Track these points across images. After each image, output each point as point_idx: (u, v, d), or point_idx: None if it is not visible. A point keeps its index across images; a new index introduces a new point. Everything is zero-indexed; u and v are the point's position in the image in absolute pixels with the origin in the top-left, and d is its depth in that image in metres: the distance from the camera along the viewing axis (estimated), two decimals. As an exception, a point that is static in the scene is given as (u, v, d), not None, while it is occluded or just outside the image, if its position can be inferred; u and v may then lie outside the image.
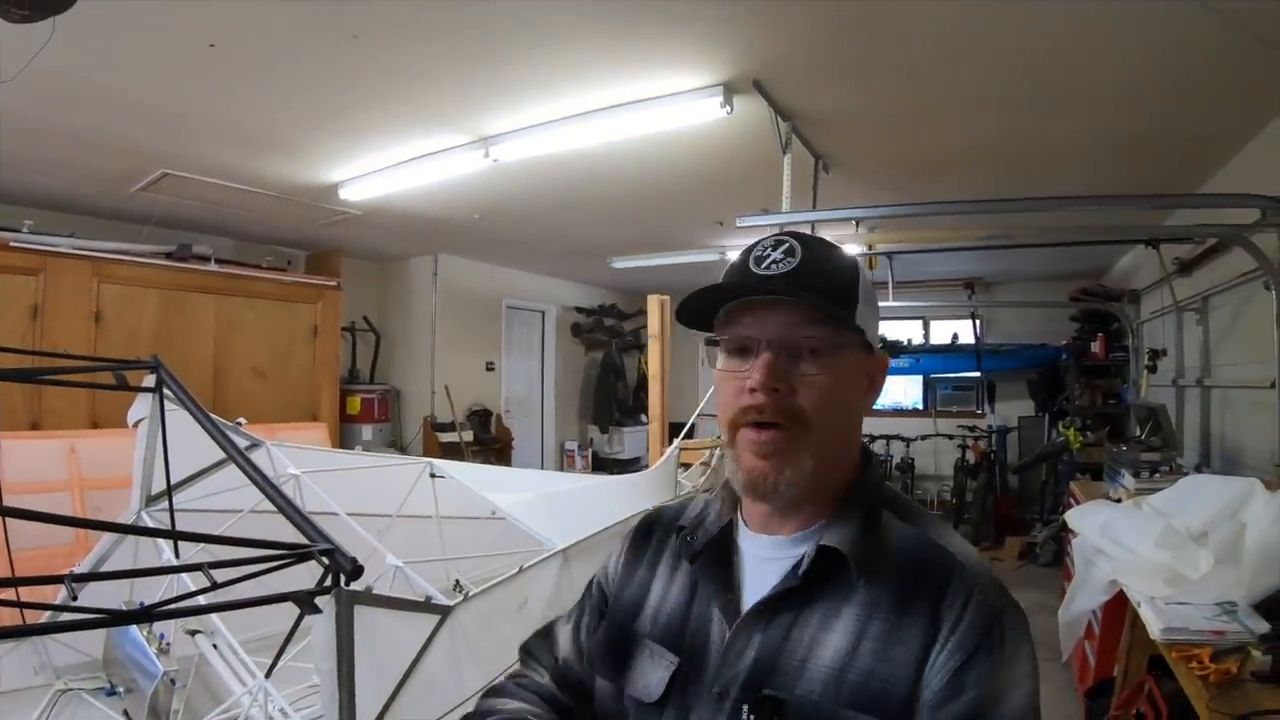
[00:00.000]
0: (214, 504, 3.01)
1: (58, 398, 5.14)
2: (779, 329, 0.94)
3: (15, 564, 2.52)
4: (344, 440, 7.32)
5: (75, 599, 1.37)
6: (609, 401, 10.54)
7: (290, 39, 3.24)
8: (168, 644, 2.44)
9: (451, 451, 7.60)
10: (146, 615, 1.50)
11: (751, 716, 0.90)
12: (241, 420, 3.29)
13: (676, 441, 5.52)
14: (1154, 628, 2.38)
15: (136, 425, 3.09)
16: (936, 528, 0.99)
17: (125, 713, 2.64)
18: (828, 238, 3.91)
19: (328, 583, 1.82)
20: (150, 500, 3.04)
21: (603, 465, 10.33)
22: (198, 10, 2.97)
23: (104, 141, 4.46)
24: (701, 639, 1.00)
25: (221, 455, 3.12)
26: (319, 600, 1.85)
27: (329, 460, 3.47)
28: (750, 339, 0.95)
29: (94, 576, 1.66)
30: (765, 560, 1.01)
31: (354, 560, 1.78)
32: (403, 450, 7.74)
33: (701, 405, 5.81)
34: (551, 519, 2.98)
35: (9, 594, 1.80)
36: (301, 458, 3.28)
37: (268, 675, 2.13)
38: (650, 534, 1.18)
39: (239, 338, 6.55)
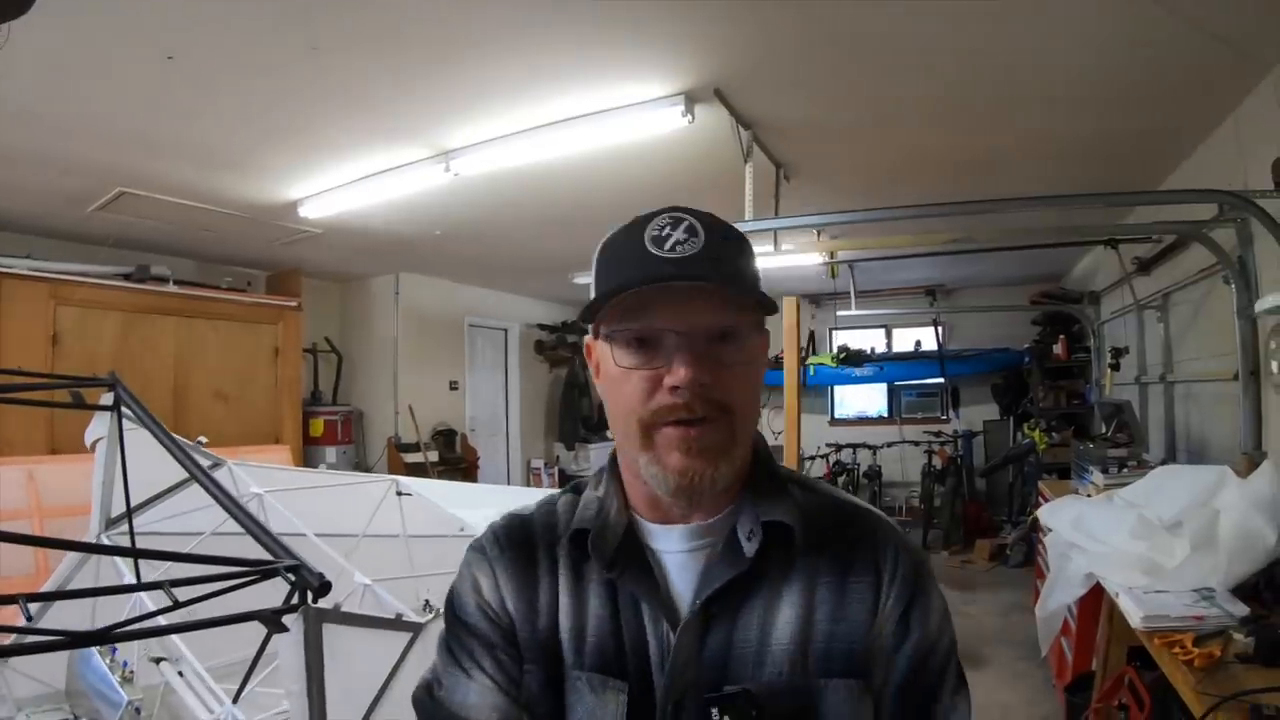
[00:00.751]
0: (176, 526, 2.97)
1: (15, 422, 5.04)
2: (698, 318, 0.87)
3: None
4: (308, 463, 7.20)
5: (30, 619, 1.33)
6: (574, 418, 10.46)
7: (248, 51, 3.19)
8: (131, 672, 2.39)
9: (416, 472, 7.49)
10: (104, 636, 1.45)
11: (726, 718, 0.87)
12: (203, 439, 3.25)
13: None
14: (1134, 617, 2.41)
15: (94, 445, 3.03)
16: (838, 492, 1.05)
17: None
18: (788, 246, 3.94)
19: (295, 600, 1.78)
20: (110, 523, 2.98)
21: (570, 483, 10.21)
22: (154, 23, 2.92)
23: (58, 161, 4.37)
24: (641, 653, 0.92)
25: (183, 476, 3.08)
26: (286, 619, 1.81)
27: (293, 479, 3.43)
28: (663, 330, 0.87)
29: (48, 596, 1.61)
30: (683, 553, 0.95)
31: (321, 576, 1.75)
32: (368, 471, 7.64)
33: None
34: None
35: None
36: (265, 476, 3.25)
37: (235, 700, 2.09)
38: (530, 547, 1.02)
39: (200, 360, 6.45)
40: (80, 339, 5.73)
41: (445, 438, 8.70)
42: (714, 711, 0.87)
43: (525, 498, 3.60)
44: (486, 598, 1.00)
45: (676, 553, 0.96)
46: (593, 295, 0.93)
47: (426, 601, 3.05)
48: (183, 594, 1.72)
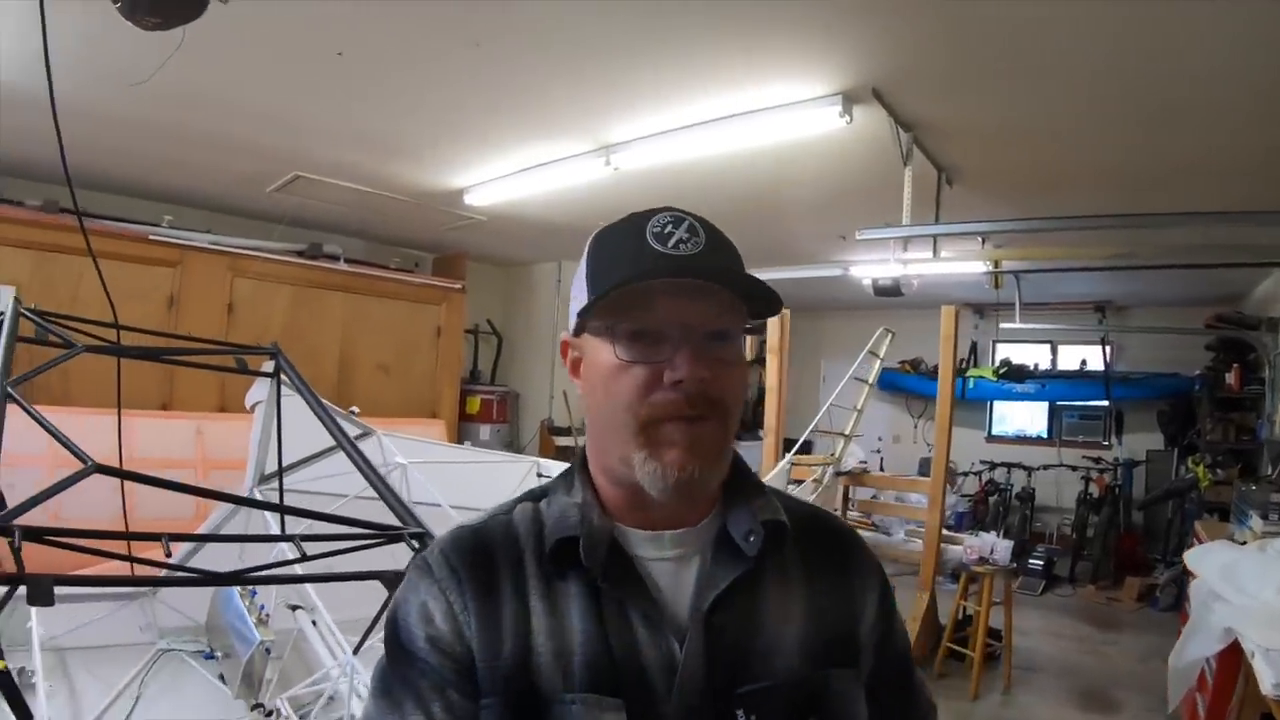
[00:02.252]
0: (323, 487, 3.11)
1: (188, 382, 5.44)
2: (702, 316, 0.87)
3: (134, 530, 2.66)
4: (462, 438, 7.47)
5: (169, 555, 1.44)
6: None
7: (412, 48, 3.34)
8: (267, 615, 2.54)
9: (565, 455, 7.65)
10: (236, 578, 1.56)
11: (753, 716, 0.87)
12: (355, 409, 3.40)
13: (788, 457, 5.45)
14: (1265, 681, 2.21)
15: (254, 408, 3.25)
16: (798, 499, 1.09)
17: (220, 676, 2.75)
18: (948, 253, 3.79)
19: (416, 565, 1.83)
20: (263, 479, 3.17)
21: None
22: (325, 20, 3.09)
23: (238, 145, 4.71)
24: (636, 667, 0.86)
25: (333, 442, 3.25)
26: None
27: (438, 453, 3.54)
28: (668, 325, 0.86)
29: (187, 537, 1.71)
30: (671, 559, 0.92)
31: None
32: (519, 451, 7.86)
33: (815, 421, 5.73)
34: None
35: (122, 554, 1.89)
36: (411, 448, 3.36)
37: (355, 652, 2.18)
38: (489, 565, 0.91)
39: (365, 334, 6.82)
40: (254, 309, 6.18)
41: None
42: (739, 713, 0.86)
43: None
44: (439, 627, 0.88)
45: (665, 559, 0.92)
46: (586, 289, 0.90)
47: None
48: (316, 550, 1.82)
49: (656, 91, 3.71)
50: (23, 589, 1.41)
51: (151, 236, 5.73)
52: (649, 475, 0.86)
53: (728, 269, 0.89)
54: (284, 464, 3.01)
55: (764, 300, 0.90)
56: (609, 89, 3.71)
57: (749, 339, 0.97)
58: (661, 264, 0.86)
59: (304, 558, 1.66)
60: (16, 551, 1.42)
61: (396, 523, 2.10)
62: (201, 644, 2.93)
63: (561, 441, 8.09)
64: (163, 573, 2.00)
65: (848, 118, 3.57)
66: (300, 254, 6.54)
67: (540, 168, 4.92)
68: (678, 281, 0.86)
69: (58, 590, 2.15)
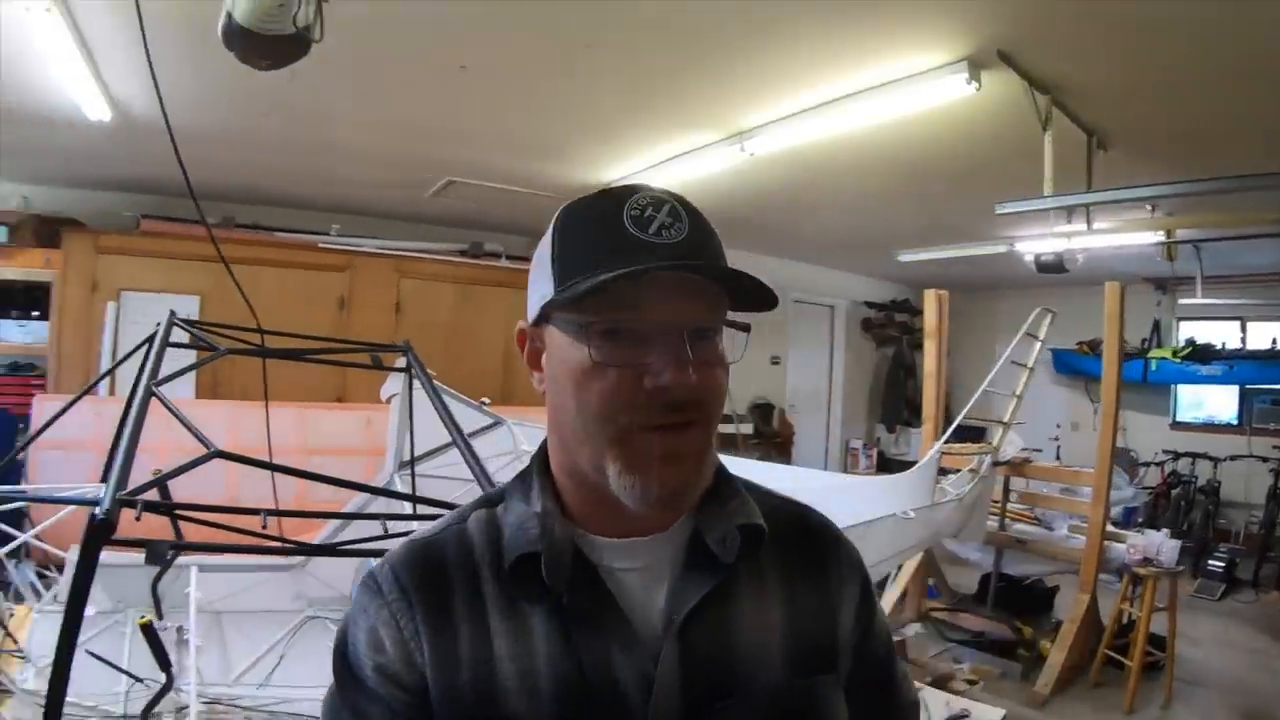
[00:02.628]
0: (456, 473, 3.26)
1: (360, 377, 5.81)
2: (687, 313, 0.79)
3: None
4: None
5: (265, 527, 1.59)
6: (898, 400, 10.22)
7: (527, 54, 3.46)
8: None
9: (726, 443, 7.61)
10: (331, 550, 1.71)
11: None
12: (485, 400, 3.54)
13: (937, 445, 5.26)
14: None
15: (389, 400, 3.46)
16: (777, 492, 1.01)
17: None
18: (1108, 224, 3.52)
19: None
20: (404, 465, 3.37)
21: (887, 465, 9.88)
22: (444, 41, 3.30)
23: (391, 157, 5.07)
24: (607, 688, 0.80)
25: (467, 430, 3.42)
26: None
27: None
28: (649, 324, 0.78)
29: (283, 513, 1.84)
30: (643, 569, 0.86)
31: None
32: (680, 439, 7.90)
33: (967, 409, 5.53)
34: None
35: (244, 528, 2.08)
36: (535, 436, 3.47)
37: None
38: (443, 584, 0.84)
39: (528, 329, 7.04)
40: (419, 307, 6.57)
41: (762, 411, 8.87)
42: None
43: (810, 481, 3.51)
44: (389, 654, 0.82)
45: (637, 569, 0.86)
46: (551, 275, 0.81)
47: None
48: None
49: (783, 74, 3.67)
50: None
51: (320, 245, 6.25)
52: (627, 489, 0.79)
53: (727, 266, 0.82)
54: (418, 452, 3.19)
55: (758, 295, 0.83)
56: (734, 76, 3.71)
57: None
58: (644, 254, 0.77)
59: (385, 535, 1.77)
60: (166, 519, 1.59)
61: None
62: (343, 614, 3.16)
63: (723, 429, 7.89)
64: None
65: (976, 84, 3.42)
66: (462, 253, 6.89)
67: (677, 159, 4.95)
68: (662, 275, 0.78)
69: (216, 559, 2.42)
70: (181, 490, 2.49)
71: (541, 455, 0.91)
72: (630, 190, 0.82)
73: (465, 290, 6.81)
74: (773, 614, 0.89)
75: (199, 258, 5.48)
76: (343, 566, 3.12)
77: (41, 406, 4.66)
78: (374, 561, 0.91)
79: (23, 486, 3.84)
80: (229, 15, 2.15)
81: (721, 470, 0.93)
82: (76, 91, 3.88)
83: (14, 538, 2.95)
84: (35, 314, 5.64)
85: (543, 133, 4.57)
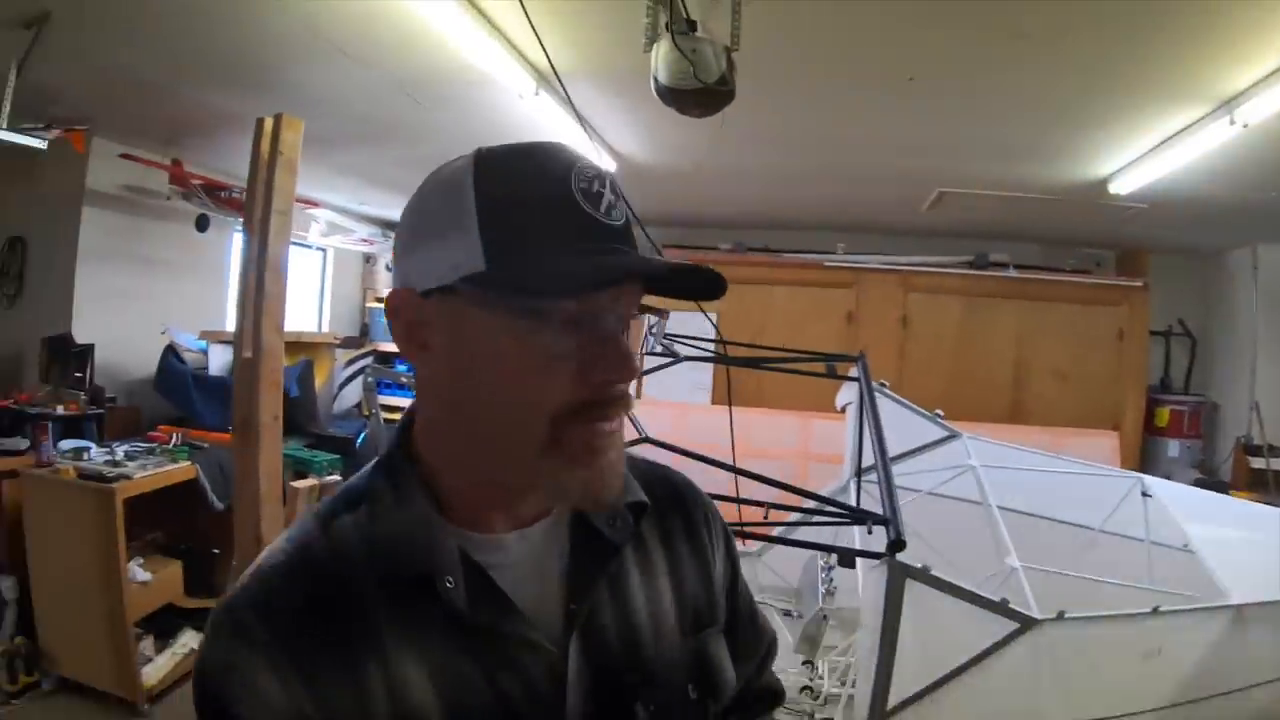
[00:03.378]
0: (914, 483, 3.31)
1: (804, 384, 6.03)
2: (632, 302, 0.77)
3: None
4: (1146, 454, 6.82)
5: (766, 518, 1.91)
6: None
7: (965, 54, 3.38)
8: (835, 588, 2.88)
9: (1260, 483, 6.45)
10: (792, 542, 1.97)
11: (651, 707, 0.83)
12: (939, 411, 3.57)
13: None
14: None
15: (843, 409, 3.64)
16: (637, 456, 1.00)
17: (791, 633, 3.18)
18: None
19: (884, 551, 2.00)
20: (867, 470, 3.53)
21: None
22: (887, 57, 3.37)
23: (879, 175, 5.24)
24: (523, 693, 0.76)
25: (918, 444, 3.49)
26: (868, 562, 2.08)
27: (1024, 460, 3.49)
28: (607, 313, 0.74)
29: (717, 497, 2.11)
30: (528, 563, 0.82)
31: (899, 534, 1.95)
32: (1210, 474, 6.85)
33: None
34: (1259, 568, 2.61)
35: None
36: (993, 453, 3.40)
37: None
38: (328, 607, 0.73)
39: (1040, 341, 6.76)
40: (926, 321, 6.66)
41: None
42: (638, 708, 0.83)
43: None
44: (274, 708, 0.69)
45: (525, 563, 0.82)
46: (473, 236, 0.72)
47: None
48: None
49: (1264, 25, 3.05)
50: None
51: (826, 263, 6.66)
52: (559, 487, 0.76)
53: (632, 239, 0.78)
54: (869, 461, 3.34)
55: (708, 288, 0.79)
56: (1210, 28, 3.16)
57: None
58: (606, 240, 0.74)
59: (764, 521, 1.96)
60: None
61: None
62: (788, 603, 3.40)
63: (1256, 464, 6.70)
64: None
65: None
66: (969, 264, 6.78)
67: (1166, 144, 4.34)
68: (627, 264, 0.74)
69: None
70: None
71: (400, 444, 0.83)
72: (561, 151, 0.76)
73: (973, 303, 6.71)
74: (661, 582, 0.91)
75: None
76: (795, 561, 3.37)
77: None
78: None
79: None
80: (655, 78, 2.53)
81: None
82: (585, 152, 4.64)
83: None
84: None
85: (1010, 133, 4.37)
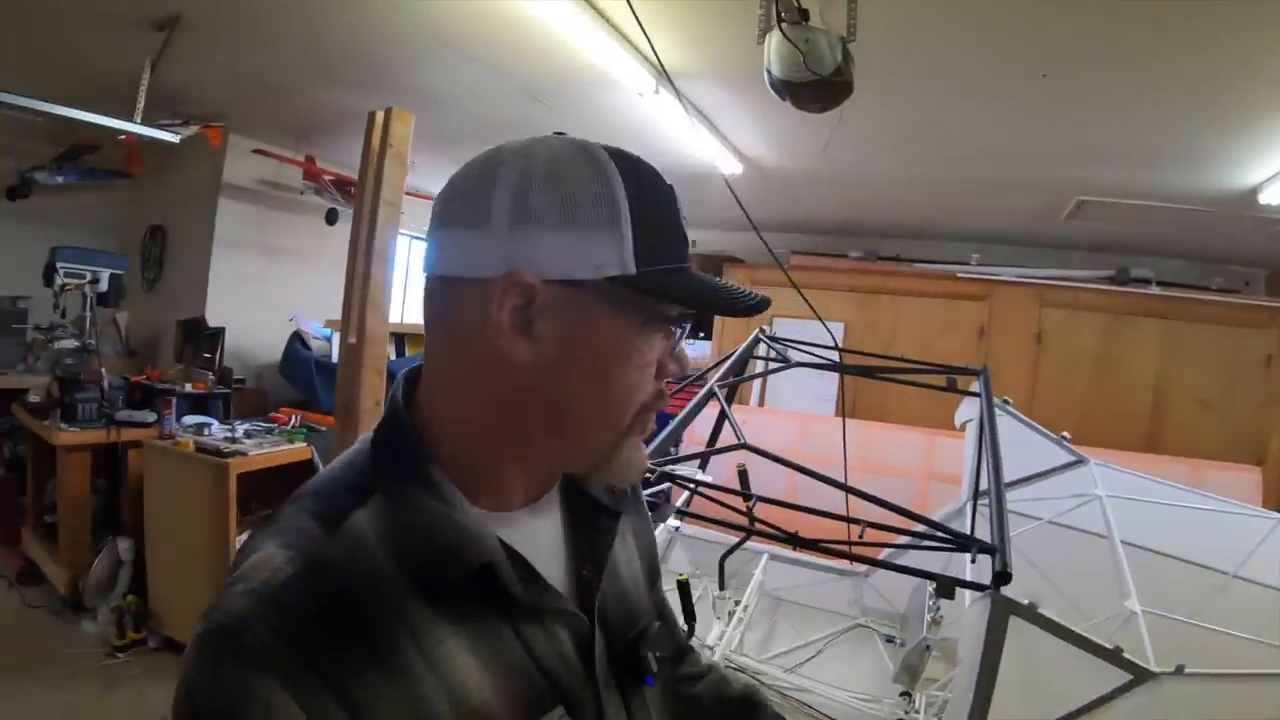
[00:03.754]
0: (1035, 510, 3.13)
1: (930, 400, 5.78)
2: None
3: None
4: (1292, 488, 6.33)
5: (860, 535, 1.81)
6: None
7: (1105, 49, 3.13)
8: (941, 616, 2.73)
9: None
10: (803, 540, 1.87)
11: (654, 652, 0.91)
12: (1066, 434, 3.35)
13: None
14: None
15: (963, 426, 3.46)
16: None
17: (893, 660, 3.04)
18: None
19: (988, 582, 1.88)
20: (983, 494, 3.34)
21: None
22: (1020, 53, 3.17)
23: (1014, 183, 5.00)
24: (559, 663, 0.79)
25: (1041, 467, 3.29)
26: (971, 594, 1.95)
27: (1158, 492, 3.25)
28: (686, 323, 0.82)
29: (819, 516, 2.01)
30: (534, 535, 0.83)
31: (1005, 566, 1.82)
32: (1361, 517, 6.25)
33: None
34: None
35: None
36: (1121, 482, 3.18)
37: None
38: (363, 617, 0.67)
39: (1181, 365, 6.27)
40: (1061, 338, 6.25)
41: None
42: (647, 657, 0.89)
43: None
44: None
45: (532, 537, 0.83)
46: (634, 237, 0.74)
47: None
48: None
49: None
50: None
51: (959, 274, 6.37)
52: (628, 466, 0.82)
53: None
54: (986, 484, 3.16)
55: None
56: None
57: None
58: (684, 249, 0.81)
59: (858, 540, 1.86)
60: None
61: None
62: (892, 629, 3.25)
63: None
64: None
65: None
66: (1109, 280, 6.40)
67: None
68: (744, 298, 0.83)
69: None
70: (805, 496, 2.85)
71: (410, 428, 0.80)
72: (650, 165, 0.79)
73: (1113, 321, 6.25)
74: (630, 544, 1.01)
75: (844, 288, 6.00)
76: (903, 584, 3.22)
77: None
78: None
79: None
80: (769, 71, 2.44)
81: None
82: (707, 153, 4.64)
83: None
84: (701, 335, 6.81)
85: (1151, 136, 4.05)
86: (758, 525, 2.22)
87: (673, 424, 2.17)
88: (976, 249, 6.58)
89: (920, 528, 2.17)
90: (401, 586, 0.69)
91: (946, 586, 1.93)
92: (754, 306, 0.81)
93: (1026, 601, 1.83)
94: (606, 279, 0.72)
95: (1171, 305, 6.23)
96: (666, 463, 1.95)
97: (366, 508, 0.73)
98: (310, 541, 0.70)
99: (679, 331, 0.81)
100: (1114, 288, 6.31)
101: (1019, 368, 6.14)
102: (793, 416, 5.49)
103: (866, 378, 3.41)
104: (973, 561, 1.97)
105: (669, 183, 0.80)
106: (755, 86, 3.39)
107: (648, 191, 0.76)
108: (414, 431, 0.79)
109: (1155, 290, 6.27)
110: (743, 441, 2.21)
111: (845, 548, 1.98)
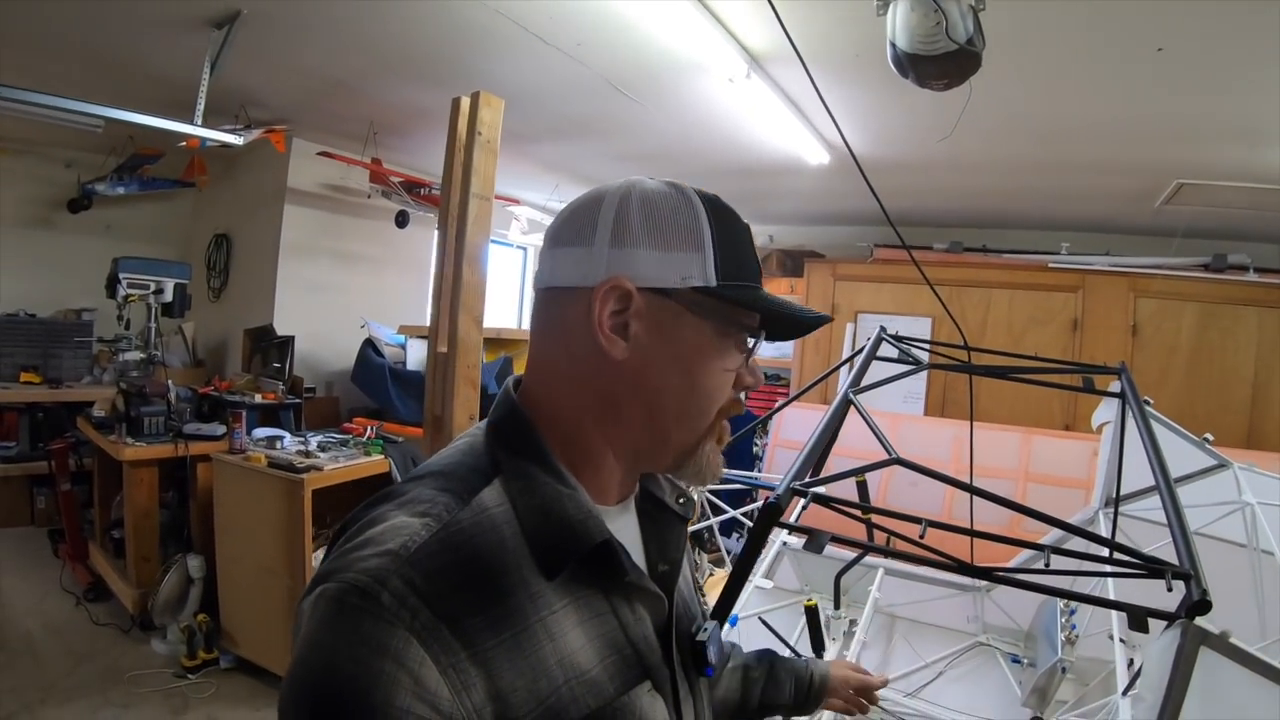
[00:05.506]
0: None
1: (1090, 405, 5.50)
2: None
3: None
4: None
5: (921, 535, 1.59)
6: None
7: (1225, 20, 2.88)
8: (1076, 635, 2.51)
9: None
10: (985, 572, 1.63)
11: (715, 647, 0.96)
12: (1208, 436, 3.10)
13: None
14: None
15: (1100, 428, 3.21)
16: None
17: (1019, 682, 2.80)
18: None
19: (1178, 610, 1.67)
20: (1113, 502, 3.09)
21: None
22: (1136, 25, 2.93)
23: (1110, 166, 4.70)
24: (647, 644, 0.86)
25: (1178, 472, 3.01)
26: (1159, 624, 1.73)
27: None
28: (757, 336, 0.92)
29: (944, 527, 1.80)
30: (623, 529, 0.91)
31: (1205, 594, 1.61)
32: None
33: None
34: None
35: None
36: (1270, 488, 2.92)
37: (1124, 693, 2.03)
38: (494, 585, 0.71)
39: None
40: (1158, 329, 5.95)
41: None
42: (705, 644, 0.95)
43: None
44: (447, 706, 0.64)
45: (622, 531, 0.90)
46: (714, 255, 0.84)
47: None
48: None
49: None
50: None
51: (1050, 265, 6.10)
52: (701, 468, 0.90)
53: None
54: (1131, 489, 2.90)
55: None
56: None
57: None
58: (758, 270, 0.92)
59: (1046, 570, 1.65)
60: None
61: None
62: (1017, 647, 3.02)
63: None
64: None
65: None
66: (1206, 267, 6.05)
67: None
68: (811, 315, 0.94)
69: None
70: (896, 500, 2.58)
71: (528, 425, 0.86)
72: (729, 205, 0.90)
73: (1210, 310, 5.93)
74: (686, 547, 1.04)
75: (930, 281, 5.78)
76: (1025, 598, 2.98)
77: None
78: None
79: (754, 474, 4.54)
80: (893, 44, 2.22)
81: None
82: (794, 142, 4.42)
83: (725, 511, 3.62)
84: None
85: (1261, 113, 3.75)
86: (893, 543, 2.01)
87: (811, 441, 1.96)
88: (1066, 238, 6.26)
89: (1102, 551, 1.94)
90: (524, 558, 0.75)
91: (1139, 619, 1.69)
92: (817, 320, 0.94)
93: (1219, 631, 1.61)
94: (692, 289, 0.83)
95: (1271, 293, 5.88)
96: (814, 484, 1.74)
97: (493, 485, 0.79)
98: (445, 510, 0.74)
99: (753, 343, 0.90)
100: (1211, 275, 5.96)
101: (1113, 361, 5.80)
102: (883, 416, 5.26)
103: (998, 378, 3.15)
104: (1168, 589, 1.73)
105: (745, 221, 0.90)
106: (850, 69, 3.19)
107: (727, 223, 0.87)
108: (530, 421, 0.86)
109: (1254, 277, 5.90)
110: (894, 456, 2.00)
111: (1030, 578, 1.74)
